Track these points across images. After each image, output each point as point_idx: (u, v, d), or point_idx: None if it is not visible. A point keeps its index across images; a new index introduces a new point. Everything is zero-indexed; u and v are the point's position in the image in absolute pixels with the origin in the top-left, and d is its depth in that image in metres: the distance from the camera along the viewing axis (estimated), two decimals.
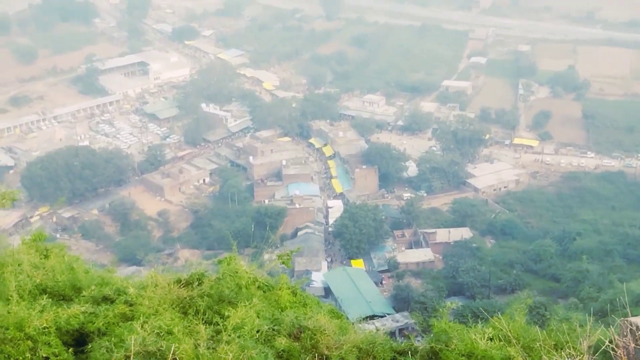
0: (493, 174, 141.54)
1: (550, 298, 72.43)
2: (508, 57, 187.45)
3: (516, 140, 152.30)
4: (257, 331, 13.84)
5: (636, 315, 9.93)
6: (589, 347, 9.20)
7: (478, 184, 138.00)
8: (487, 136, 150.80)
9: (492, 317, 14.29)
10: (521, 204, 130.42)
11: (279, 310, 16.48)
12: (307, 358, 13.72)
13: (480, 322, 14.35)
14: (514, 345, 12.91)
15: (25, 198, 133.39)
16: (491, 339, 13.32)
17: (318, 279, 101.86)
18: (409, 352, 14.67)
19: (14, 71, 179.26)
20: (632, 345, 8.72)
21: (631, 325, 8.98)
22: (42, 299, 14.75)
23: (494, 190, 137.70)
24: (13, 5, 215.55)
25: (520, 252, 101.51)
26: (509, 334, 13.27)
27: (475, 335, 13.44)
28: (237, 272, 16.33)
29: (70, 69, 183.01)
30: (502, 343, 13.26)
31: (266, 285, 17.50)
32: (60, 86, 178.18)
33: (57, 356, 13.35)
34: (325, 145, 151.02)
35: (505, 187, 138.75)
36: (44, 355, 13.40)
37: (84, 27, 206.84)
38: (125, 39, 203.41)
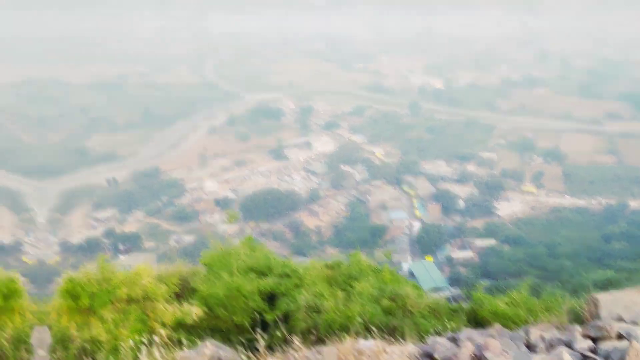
0: (509, 208, 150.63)
1: (542, 282, 72.17)
2: (518, 140, 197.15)
3: (523, 188, 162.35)
4: (371, 295, 16.59)
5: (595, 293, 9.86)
6: (567, 310, 10.13)
7: (500, 213, 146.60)
8: (506, 185, 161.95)
9: (507, 292, 17.14)
10: (525, 226, 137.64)
11: (384, 283, 18.23)
12: (400, 312, 15.79)
13: (500, 294, 17.18)
14: (521, 308, 15.37)
15: (241, 218, 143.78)
16: (507, 304, 15.85)
17: (405, 267, 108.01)
18: (459, 310, 17.13)
19: (237, 146, 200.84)
20: (594, 310, 8.95)
21: (592, 298, 9.09)
22: (250, 274, 18.39)
23: (510, 217, 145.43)
24: (238, 109, 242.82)
25: (525, 254, 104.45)
26: (518, 301, 15.82)
27: (497, 301, 16.05)
28: (359, 261, 19.29)
29: (267, 145, 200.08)
30: (513, 306, 15.59)
31: (376, 269, 19.93)
32: (262, 155, 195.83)
33: (258, 306, 16.94)
34: (411, 189, 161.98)
35: (516, 215, 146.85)
36: (251, 305, 17.07)
37: (276, 122, 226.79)
38: (299, 129, 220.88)
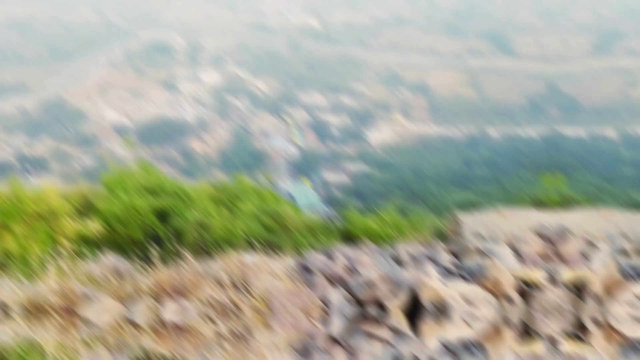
0: (379, 136, 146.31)
1: (409, 203, 67.48)
2: (387, 74, 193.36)
3: (392, 118, 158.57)
4: (254, 214, 15.82)
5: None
6: (431, 228, 9.72)
7: (371, 141, 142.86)
8: (376, 115, 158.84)
9: (377, 212, 16.01)
10: (394, 152, 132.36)
11: (265, 204, 17.29)
12: (280, 229, 15.11)
13: (371, 215, 16.02)
14: (389, 226, 14.45)
15: (138, 143, 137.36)
16: (376, 223, 14.98)
17: (285, 188, 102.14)
18: (333, 228, 16.12)
19: (134, 79, 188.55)
20: (456, 229, 8.41)
21: (455, 217, 8.63)
22: (145, 194, 17.53)
23: (380, 144, 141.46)
24: (134, 45, 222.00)
25: (393, 177, 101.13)
26: (386, 220, 14.91)
27: (368, 220, 15.30)
28: (243, 183, 18.46)
29: (161, 78, 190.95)
30: (382, 225, 14.51)
31: (258, 190, 18.97)
32: (156, 87, 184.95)
33: (152, 222, 16.18)
34: (289, 118, 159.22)
35: (386, 143, 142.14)
36: (146, 222, 16.29)
37: (169, 56, 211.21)
38: (189, 63, 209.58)
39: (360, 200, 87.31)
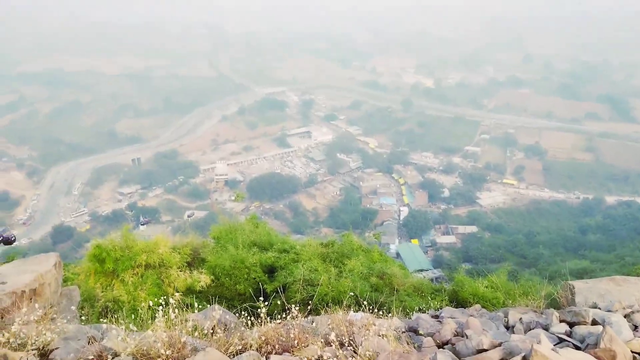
0: (491, 198, 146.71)
1: (520, 268, 69.51)
2: (501, 136, 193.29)
3: (505, 181, 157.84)
4: (361, 273, 16.25)
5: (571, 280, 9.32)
6: (543, 295, 9.10)
7: (482, 203, 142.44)
8: (488, 177, 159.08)
9: (487, 275, 16.18)
10: (506, 215, 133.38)
11: (372, 263, 17.85)
12: (387, 289, 15.36)
13: (480, 278, 16.19)
14: (500, 291, 14.57)
15: (247, 197, 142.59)
16: (486, 287, 15.08)
17: (393, 248, 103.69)
18: (441, 290, 16.42)
19: (246, 134, 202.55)
20: (569, 296, 8.51)
21: (569, 285, 8.69)
22: (253, 248, 18.34)
23: (491, 206, 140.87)
24: (248, 100, 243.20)
25: (504, 241, 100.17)
26: (497, 285, 14.99)
27: (477, 284, 15.27)
28: (351, 241, 18.90)
29: (273, 133, 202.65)
30: (492, 289, 14.85)
31: (366, 249, 19.52)
32: (267, 142, 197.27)
33: (260, 277, 16.88)
34: (400, 177, 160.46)
35: (498, 206, 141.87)
36: (253, 277, 17.04)
37: (281, 112, 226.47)
38: (301, 119, 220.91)
39: (469, 262, 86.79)
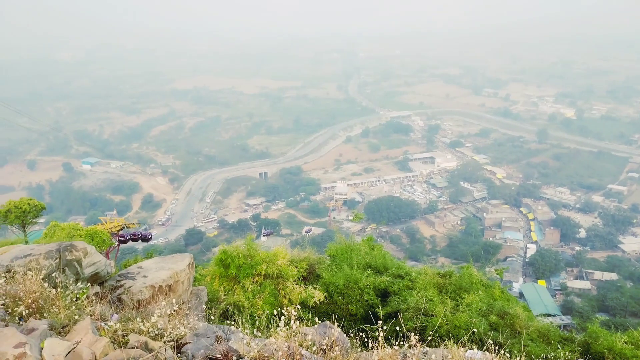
0: (636, 244, 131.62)
1: None
2: None
3: None
4: (479, 309, 15.42)
5: None
6: None
7: (626, 248, 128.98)
8: (635, 220, 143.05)
9: (626, 330, 15.05)
10: None
11: (493, 300, 16.95)
12: (507, 330, 14.26)
13: (618, 332, 14.86)
14: None
15: (365, 218, 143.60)
16: (626, 343, 13.74)
17: (516, 287, 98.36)
18: (571, 340, 15.05)
19: (368, 155, 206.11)
20: None
21: None
22: (368, 271, 18.29)
23: (636, 253, 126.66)
24: (372, 123, 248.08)
25: None
26: (639, 342, 13.54)
27: (615, 338, 13.97)
28: (471, 274, 18.18)
29: (395, 157, 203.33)
30: (633, 347, 13.48)
31: (486, 284, 18.64)
32: (389, 165, 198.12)
33: (372, 300, 16.76)
34: (529, 212, 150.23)
35: None
36: (365, 298, 16.95)
37: (405, 136, 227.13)
38: (425, 145, 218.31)
39: (606, 313, 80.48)
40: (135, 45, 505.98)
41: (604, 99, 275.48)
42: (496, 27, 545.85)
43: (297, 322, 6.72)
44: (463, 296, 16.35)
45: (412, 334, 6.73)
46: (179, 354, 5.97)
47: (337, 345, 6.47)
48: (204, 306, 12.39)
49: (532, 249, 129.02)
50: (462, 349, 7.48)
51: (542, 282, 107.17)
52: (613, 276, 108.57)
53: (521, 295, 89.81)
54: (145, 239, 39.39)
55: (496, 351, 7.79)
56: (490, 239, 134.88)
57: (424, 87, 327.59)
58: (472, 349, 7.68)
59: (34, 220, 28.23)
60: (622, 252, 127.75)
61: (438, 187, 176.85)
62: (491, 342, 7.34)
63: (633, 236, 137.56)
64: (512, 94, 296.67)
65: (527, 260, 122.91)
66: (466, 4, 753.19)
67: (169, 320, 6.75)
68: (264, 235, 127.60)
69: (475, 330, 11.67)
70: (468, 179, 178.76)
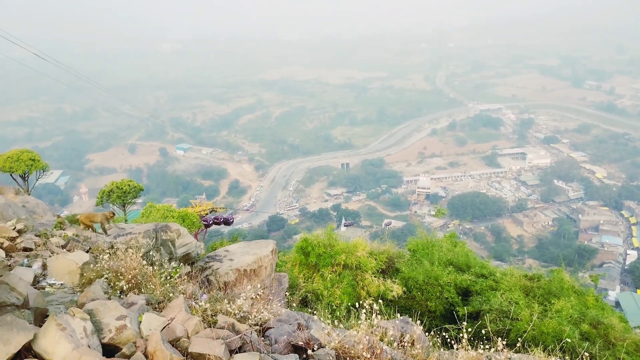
0: None
1: None
2: None
3: None
4: (570, 316, 14.55)
5: None
6: None
7: None
8: None
9: None
10: None
11: (585, 307, 16.01)
12: (600, 341, 13.34)
13: None
14: None
15: (448, 214, 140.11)
16: None
17: (612, 296, 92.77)
18: None
19: (454, 149, 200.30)
20: None
21: None
22: (449, 268, 17.86)
23: None
24: (460, 116, 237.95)
25: None
26: None
27: None
28: (562, 279, 17.20)
29: (482, 151, 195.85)
30: None
31: (579, 290, 17.71)
32: (475, 160, 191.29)
33: (452, 298, 16.46)
34: (631, 216, 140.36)
35: None
36: (446, 296, 16.58)
37: (494, 130, 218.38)
38: (516, 140, 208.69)
39: None
40: (227, 36, 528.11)
41: None
42: (600, 10, 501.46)
43: (378, 316, 6.67)
44: (552, 301, 15.52)
45: (499, 338, 6.46)
46: (263, 338, 6.18)
47: (418, 343, 6.37)
48: (285, 292, 12.73)
49: (632, 255, 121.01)
50: (552, 358, 7.05)
51: None
52: None
53: (617, 304, 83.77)
54: (228, 222, 41.28)
55: None
56: (586, 242, 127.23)
57: (517, 78, 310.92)
58: (563, 359, 7.21)
59: (133, 201, 30.53)
60: None
61: (529, 184, 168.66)
62: (586, 353, 6.82)
63: None
64: (617, 87, 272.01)
65: (626, 267, 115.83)
66: None
67: (252, 304, 6.99)
68: (344, 226, 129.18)
69: (567, 339, 10.98)
70: (563, 177, 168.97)
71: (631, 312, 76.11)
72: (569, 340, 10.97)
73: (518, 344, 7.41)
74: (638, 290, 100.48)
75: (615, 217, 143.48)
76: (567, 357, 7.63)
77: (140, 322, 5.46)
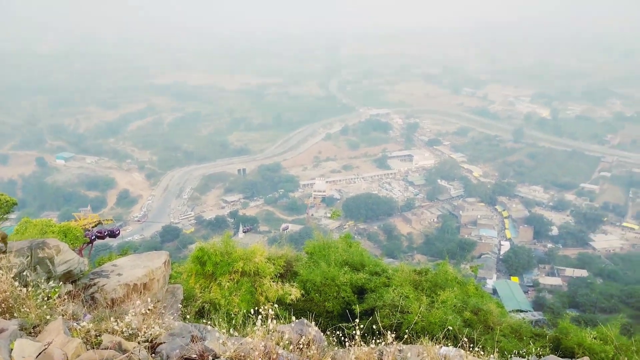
0: (606, 241, 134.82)
1: (636, 322, 62.44)
2: (625, 175, 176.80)
3: (625, 224, 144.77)
4: (454, 306, 15.65)
5: None
6: None
7: (596, 245, 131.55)
8: (605, 219, 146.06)
9: (595, 325, 15.33)
10: (622, 261, 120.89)
11: (467, 296, 17.17)
12: (480, 326, 14.63)
13: (588, 327, 15.23)
14: (610, 344, 13.32)
15: (343, 216, 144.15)
16: (595, 338, 13.96)
17: (490, 284, 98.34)
18: (543, 336, 15.33)
19: (347, 153, 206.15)
20: None
21: None
22: (345, 268, 18.39)
23: (606, 250, 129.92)
24: (352, 120, 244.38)
25: (619, 290, 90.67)
26: (607, 337, 13.72)
27: (584, 333, 14.26)
28: (446, 272, 18.26)
29: (374, 154, 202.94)
30: (601, 342, 13.70)
31: (461, 281, 18.73)
32: (367, 162, 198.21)
33: (349, 297, 17.04)
34: (504, 210, 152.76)
35: (613, 249, 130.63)
36: (342, 296, 17.17)
37: (384, 134, 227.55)
38: (403, 143, 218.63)
39: (576, 309, 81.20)
40: (116, 39, 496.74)
41: (579, 100, 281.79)
42: (477, 28, 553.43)
43: (274, 321, 6.69)
44: (438, 293, 16.40)
45: (388, 331, 6.82)
46: (153, 354, 5.89)
47: (313, 344, 6.46)
48: (180, 304, 12.19)
49: (506, 246, 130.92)
50: (437, 346, 7.55)
51: (515, 279, 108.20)
52: (583, 273, 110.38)
53: (495, 291, 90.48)
54: (113, 234, 38.28)
55: (470, 347, 7.88)
56: (466, 236, 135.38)
57: (404, 85, 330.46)
58: (447, 345, 7.75)
59: (5, 217, 27.29)
60: (592, 250, 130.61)
61: (416, 184, 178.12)
62: (465, 339, 7.52)
63: (603, 234, 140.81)
64: (490, 94, 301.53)
65: (501, 257, 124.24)
66: (449, 3, 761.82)
67: (143, 320, 6.64)
68: (243, 232, 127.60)
69: (450, 327, 11.71)
70: (445, 177, 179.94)
71: (506, 297, 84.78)
72: (450, 327, 11.59)
73: (406, 336, 7.84)
74: (512, 277, 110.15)
75: (491, 211, 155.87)
76: (449, 343, 8.11)
77: (12, 349, 4.91)
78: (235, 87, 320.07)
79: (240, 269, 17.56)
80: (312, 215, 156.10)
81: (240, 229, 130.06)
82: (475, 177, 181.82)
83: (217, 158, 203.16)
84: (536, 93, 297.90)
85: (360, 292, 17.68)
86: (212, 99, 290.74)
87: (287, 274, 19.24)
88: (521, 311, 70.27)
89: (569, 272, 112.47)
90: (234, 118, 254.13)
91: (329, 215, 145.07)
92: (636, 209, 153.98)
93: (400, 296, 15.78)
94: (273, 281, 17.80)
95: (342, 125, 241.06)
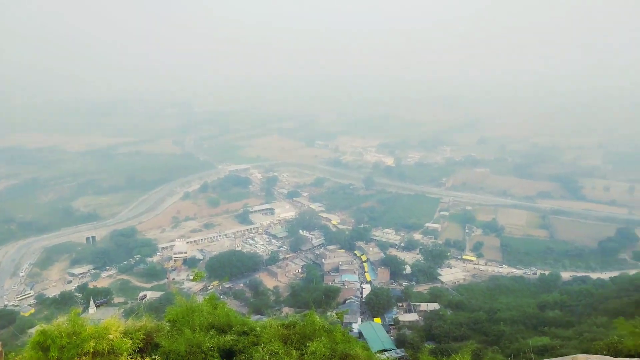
0: (451, 274, 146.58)
1: (483, 346, 67.23)
2: (460, 213, 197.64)
3: (464, 257, 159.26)
4: (323, 355, 15.76)
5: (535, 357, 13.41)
6: None
7: (443, 279, 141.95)
8: (449, 254, 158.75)
9: (450, 354, 16.46)
10: (467, 292, 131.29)
11: (335, 344, 17.07)
12: None
13: (444, 358, 16.79)
14: None
15: (207, 276, 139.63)
16: None
17: (356, 327, 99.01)
18: None
19: (208, 211, 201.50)
20: None
21: None
22: (211, 331, 17.76)
23: (452, 283, 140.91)
24: (211, 177, 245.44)
25: (466, 318, 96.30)
26: None
27: None
28: (314, 322, 18.24)
29: (235, 210, 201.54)
30: None
31: (328, 329, 18.64)
32: (229, 219, 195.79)
33: None
34: (362, 254, 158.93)
35: (458, 281, 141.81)
36: None
37: (244, 189, 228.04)
38: (264, 197, 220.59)
39: (433, 341, 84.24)
40: None
41: (417, 148, 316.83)
42: (324, 82, 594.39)
43: None
44: (307, 344, 16.38)
45: None
46: None
47: None
48: None
49: (367, 289, 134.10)
50: None
51: (377, 320, 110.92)
52: (435, 306, 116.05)
53: (360, 334, 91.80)
54: None
55: None
56: (330, 283, 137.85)
57: (261, 140, 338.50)
58: None
59: None
60: (441, 283, 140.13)
61: (278, 237, 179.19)
62: None
63: (449, 267, 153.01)
64: (341, 145, 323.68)
65: (363, 300, 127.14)
66: (298, 58, 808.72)
67: None
68: (97, 306, 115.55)
69: None
70: (306, 227, 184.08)
71: (371, 339, 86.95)
72: None
73: None
74: (375, 318, 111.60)
75: (351, 257, 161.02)
76: None
77: None
78: (80, 148, 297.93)
79: (91, 350, 15.58)
80: (174, 279, 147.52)
81: (92, 303, 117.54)
82: (334, 224, 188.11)
83: (60, 227, 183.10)
84: (381, 143, 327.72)
85: (229, 354, 17.03)
86: (52, 163, 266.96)
87: (147, 347, 17.65)
88: (386, 350, 74.05)
89: (424, 306, 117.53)
90: (79, 182, 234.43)
91: (191, 277, 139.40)
92: (472, 242, 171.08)
93: (270, 353, 15.53)
94: (131, 358, 16.18)
95: (200, 182, 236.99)
